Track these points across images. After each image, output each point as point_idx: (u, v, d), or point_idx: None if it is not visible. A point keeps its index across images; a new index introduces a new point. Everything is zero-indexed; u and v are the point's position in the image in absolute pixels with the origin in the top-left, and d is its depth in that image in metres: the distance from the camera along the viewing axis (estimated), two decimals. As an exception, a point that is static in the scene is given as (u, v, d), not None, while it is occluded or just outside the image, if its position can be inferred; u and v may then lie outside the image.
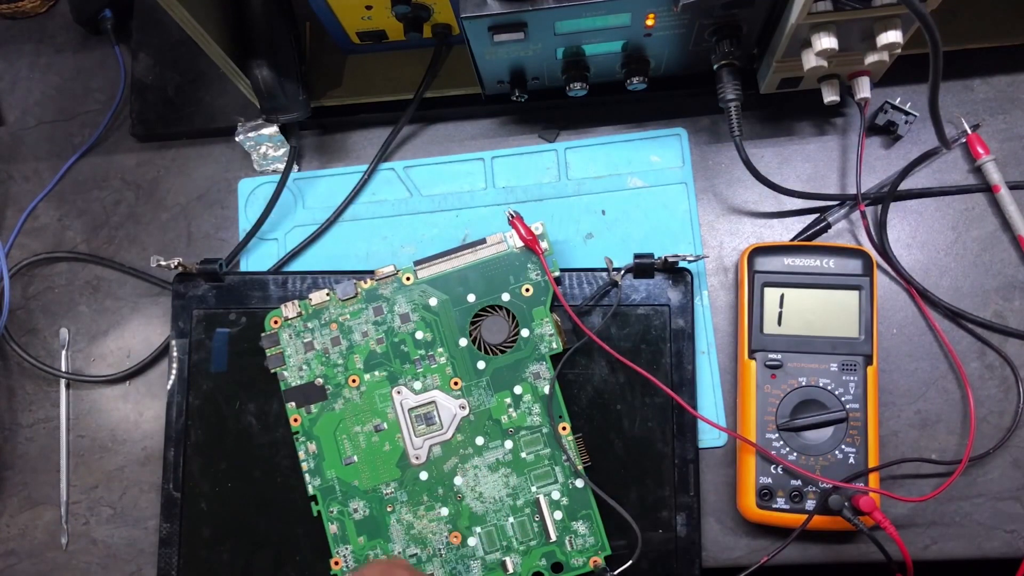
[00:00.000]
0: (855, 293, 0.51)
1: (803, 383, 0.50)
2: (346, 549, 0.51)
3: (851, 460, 0.49)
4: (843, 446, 0.49)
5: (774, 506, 0.49)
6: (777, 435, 0.50)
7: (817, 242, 0.55)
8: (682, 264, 0.53)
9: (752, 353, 0.51)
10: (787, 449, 0.50)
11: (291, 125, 0.58)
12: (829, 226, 0.55)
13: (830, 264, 0.52)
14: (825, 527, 0.49)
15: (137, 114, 0.61)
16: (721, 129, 0.58)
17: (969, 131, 0.55)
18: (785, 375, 0.51)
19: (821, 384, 0.50)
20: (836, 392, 0.50)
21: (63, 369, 0.59)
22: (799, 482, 0.49)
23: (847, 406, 0.50)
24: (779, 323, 0.51)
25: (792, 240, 0.55)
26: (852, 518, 0.47)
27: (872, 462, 0.49)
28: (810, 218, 0.56)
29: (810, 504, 0.49)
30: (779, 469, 0.49)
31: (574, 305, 0.53)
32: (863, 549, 0.52)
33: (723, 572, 0.53)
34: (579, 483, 0.51)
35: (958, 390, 0.53)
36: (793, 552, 0.51)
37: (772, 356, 0.51)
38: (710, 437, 0.53)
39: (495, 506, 0.51)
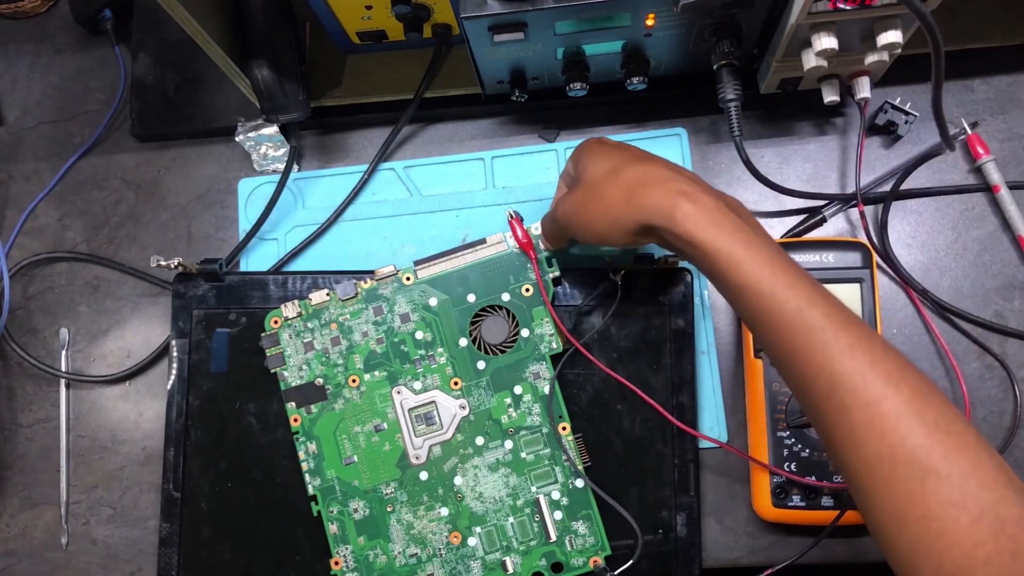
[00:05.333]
0: (856, 286, 0.51)
1: None
2: (346, 549, 0.51)
3: None
4: None
5: (790, 504, 0.49)
6: (788, 433, 0.50)
7: (815, 237, 0.55)
8: (682, 264, 0.53)
9: (758, 352, 0.51)
10: (799, 446, 0.50)
11: (291, 125, 0.58)
12: (824, 220, 0.55)
13: (829, 258, 0.52)
14: (840, 522, 0.48)
15: (137, 114, 0.61)
16: (721, 129, 0.58)
17: (969, 131, 0.55)
18: None
19: None
20: None
21: (63, 369, 0.59)
22: (813, 478, 0.49)
23: None
24: None
25: (786, 234, 0.55)
26: None
27: None
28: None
29: (826, 500, 0.49)
30: (792, 466, 0.49)
31: (574, 305, 0.53)
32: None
33: (723, 572, 0.53)
34: (579, 483, 0.51)
35: (957, 390, 0.53)
36: (812, 552, 0.50)
37: None
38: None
39: (495, 506, 0.51)
